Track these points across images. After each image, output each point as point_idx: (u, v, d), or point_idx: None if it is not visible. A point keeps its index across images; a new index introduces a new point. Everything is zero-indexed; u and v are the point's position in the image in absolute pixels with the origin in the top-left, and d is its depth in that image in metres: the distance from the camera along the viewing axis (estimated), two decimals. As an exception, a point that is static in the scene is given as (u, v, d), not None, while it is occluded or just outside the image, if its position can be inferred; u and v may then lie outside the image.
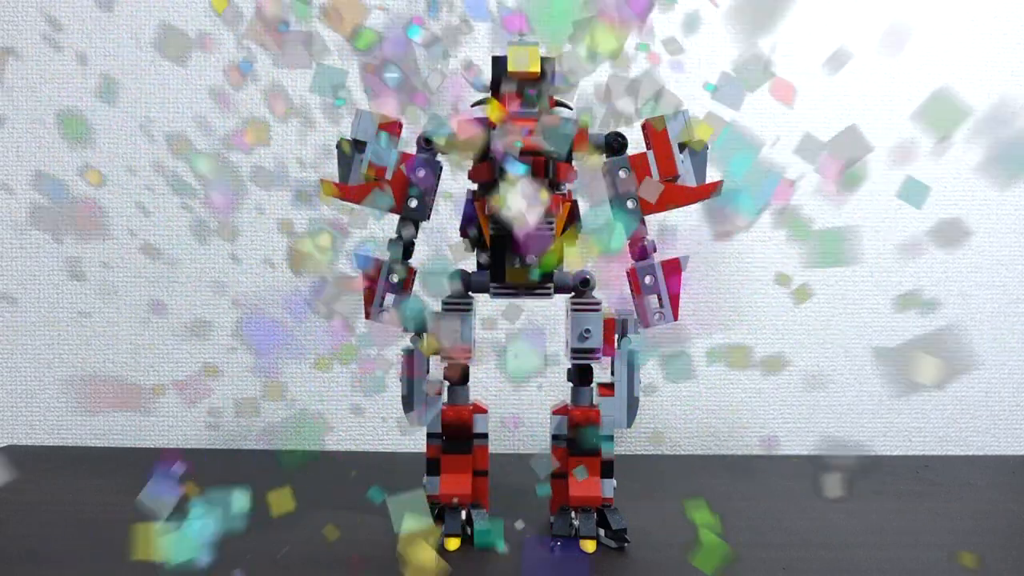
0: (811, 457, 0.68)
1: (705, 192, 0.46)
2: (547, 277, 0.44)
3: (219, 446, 0.70)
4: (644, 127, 0.45)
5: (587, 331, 0.44)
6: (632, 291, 0.45)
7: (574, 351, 0.45)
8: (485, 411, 0.46)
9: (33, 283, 0.71)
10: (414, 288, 0.47)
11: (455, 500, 0.45)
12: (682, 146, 0.45)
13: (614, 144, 0.45)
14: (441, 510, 0.45)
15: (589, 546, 0.43)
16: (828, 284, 0.71)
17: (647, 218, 0.46)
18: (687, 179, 0.46)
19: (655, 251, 0.46)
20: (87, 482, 0.57)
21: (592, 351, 0.45)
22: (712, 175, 0.46)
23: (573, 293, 0.45)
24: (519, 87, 0.43)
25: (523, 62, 0.42)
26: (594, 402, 0.46)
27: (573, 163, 0.44)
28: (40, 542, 0.44)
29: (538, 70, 0.42)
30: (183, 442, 0.70)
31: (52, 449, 0.68)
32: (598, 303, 0.45)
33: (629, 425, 0.45)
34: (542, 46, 0.43)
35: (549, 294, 0.45)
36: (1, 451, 0.67)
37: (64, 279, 0.71)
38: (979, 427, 0.71)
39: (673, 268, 0.46)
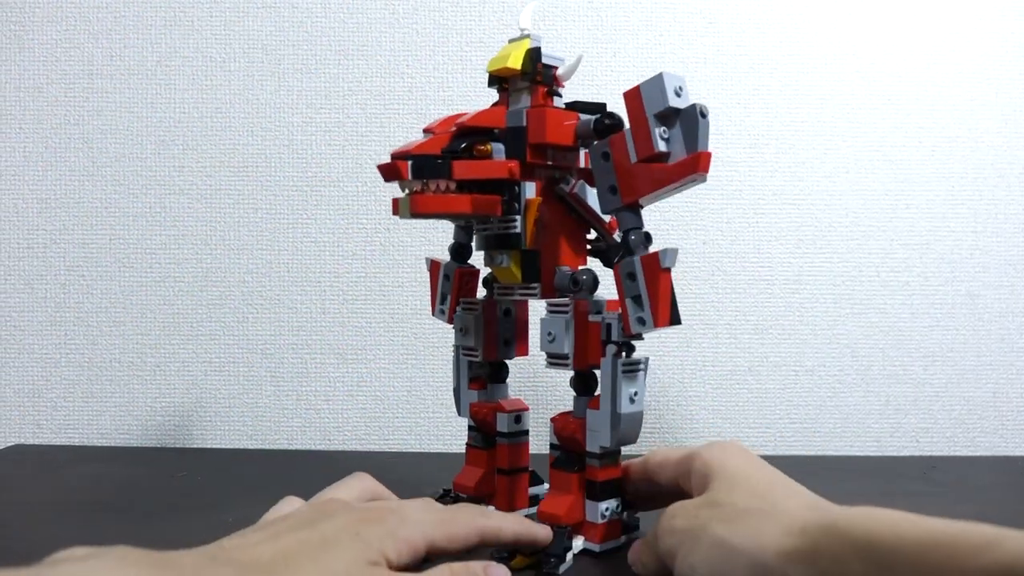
0: (819, 457, 0.68)
1: (682, 171, 0.37)
2: (532, 276, 0.42)
3: (225, 445, 0.70)
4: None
5: (550, 334, 0.41)
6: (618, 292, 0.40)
7: (547, 355, 0.42)
8: (506, 411, 0.45)
9: (40, 283, 0.71)
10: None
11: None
12: (667, 116, 0.37)
13: (599, 126, 0.41)
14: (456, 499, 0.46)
15: (516, 561, 0.38)
16: (835, 284, 0.71)
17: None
18: (678, 155, 0.38)
19: (646, 245, 0.39)
20: (93, 481, 0.57)
21: (561, 356, 0.41)
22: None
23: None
24: (504, 83, 0.43)
25: (501, 60, 0.42)
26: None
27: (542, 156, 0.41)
28: (46, 541, 0.44)
29: (516, 66, 0.41)
30: (189, 441, 0.70)
31: (58, 448, 0.68)
32: (566, 306, 0.41)
33: (612, 444, 0.40)
34: (535, 40, 0.42)
35: (535, 293, 0.43)
36: (8, 450, 0.67)
37: (71, 279, 0.71)
38: (987, 428, 0.71)
39: (652, 264, 0.37)
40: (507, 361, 0.48)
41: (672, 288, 0.38)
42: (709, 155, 0.36)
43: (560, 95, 0.43)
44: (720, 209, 0.71)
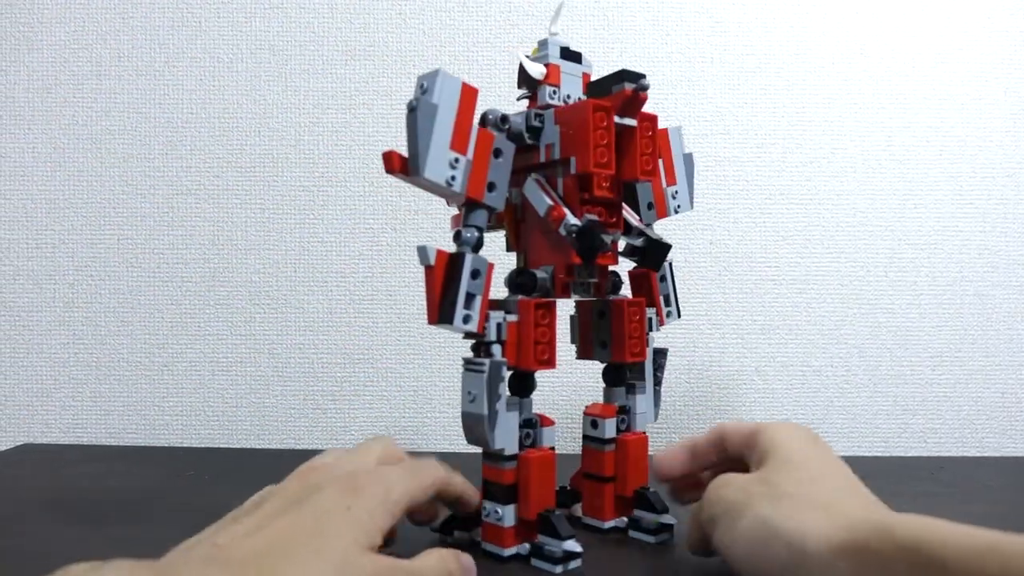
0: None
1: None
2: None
3: (232, 444, 0.70)
4: None
5: None
6: None
7: None
8: (586, 414, 0.45)
9: (48, 283, 0.71)
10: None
11: None
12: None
13: None
14: None
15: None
16: (842, 284, 0.70)
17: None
18: None
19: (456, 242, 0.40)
20: (101, 480, 0.57)
21: None
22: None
23: None
24: None
25: None
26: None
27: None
28: (54, 540, 0.44)
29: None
30: (197, 441, 0.71)
31: (67, 447, 0.69)
32: None
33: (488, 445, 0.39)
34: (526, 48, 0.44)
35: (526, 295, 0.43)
36: (16, 449, 0.68)
37: (79, 279, 0.71)
38: (995, 428, 0.70)
39: None
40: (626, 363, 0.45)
41: (436, 286, 0.37)
42: (386, 154, 0.37)
43: (555, 93, 0.44)
44: (727, 209, 0.70)
